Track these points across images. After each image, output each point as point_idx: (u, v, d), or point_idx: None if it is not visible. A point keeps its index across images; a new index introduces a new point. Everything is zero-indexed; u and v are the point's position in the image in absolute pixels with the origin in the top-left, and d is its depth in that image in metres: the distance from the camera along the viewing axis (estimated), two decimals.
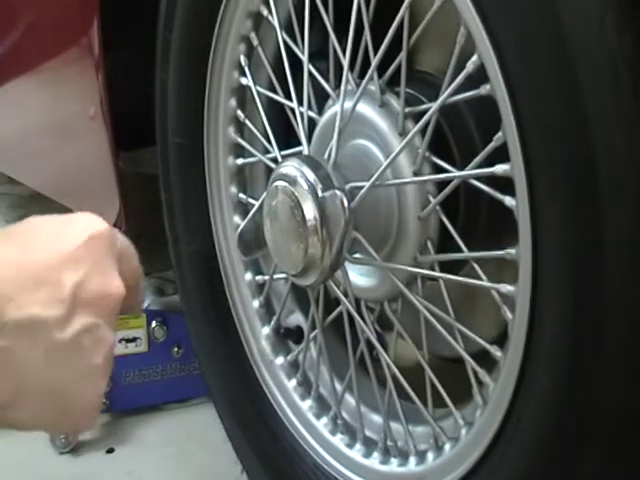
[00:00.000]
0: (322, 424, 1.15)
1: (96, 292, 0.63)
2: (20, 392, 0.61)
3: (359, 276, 1.01)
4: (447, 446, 0.95)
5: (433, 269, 0.93)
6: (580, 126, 0.68)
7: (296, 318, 1.24)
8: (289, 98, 1.07)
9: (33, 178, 1.98)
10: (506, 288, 0.82)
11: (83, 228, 0.65)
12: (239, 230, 1.08)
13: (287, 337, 1.22)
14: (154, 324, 1.64)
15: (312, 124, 1.04)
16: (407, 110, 0.92)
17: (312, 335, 1.15)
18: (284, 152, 1.10)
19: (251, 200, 1.22)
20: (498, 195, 0.82)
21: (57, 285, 0.62)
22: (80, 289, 0.63)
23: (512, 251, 0.80)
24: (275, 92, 1.12)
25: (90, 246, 0.64)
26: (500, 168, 0.79)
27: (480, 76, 0.79)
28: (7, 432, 1.67)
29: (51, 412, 0.63)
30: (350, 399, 1.12)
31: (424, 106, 0.91)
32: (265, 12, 1.10)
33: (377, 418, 1.09)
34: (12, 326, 0.60)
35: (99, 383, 0.65)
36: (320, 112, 1.04)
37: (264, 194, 0.99)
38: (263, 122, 1.14)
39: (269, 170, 1.11)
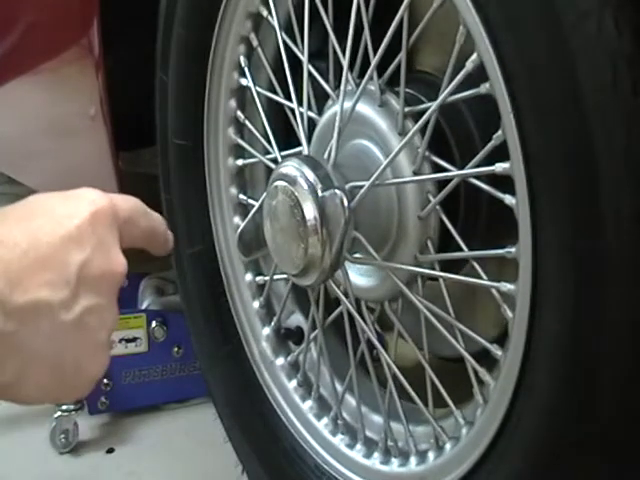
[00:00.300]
0: (323, 424, 1.15)
1: (100, 271, 0.64)
2: (24, 372, 0.61)
3: (359, 276, 1.01)
4: (448, 446, 0.95)
5: (433, 268, 0.93)
6: (580, 124, 0.68)
7: (296, 319, 1.24)
8: (289, 99, 1.07)
9: (33, 178, 1.98)
10: (506, 287, 0.82)
11: (85, 205, 0.65)
12: (239, 230, 1.08)
13: (287, 338, 1.22)
14: (154, 324, 1.64)
15: (312, 124, 1.04)
16: (407, 110, 0.92)
17: (312, 336, 1.15)
18: (284, 152, 1.10)
19: (251, 201, 1.22)
20: (498, 194, 0.82)
21: (62, 266, 0.62)
22: (84, 269, 0.63)
23: (512, 250, 0.80)
24: (275, 93, 1.12)
25: (93, 224, 0.64)
26: (500, 167, 0.79)
27: (480, 75, 0.79)
28: (7, 433, 1.67)
29: (53, 388, 0.64)
30: (351, 399, 1.12)
31: (424, 105, 0.91)
32: (265, 13, 1.10)
33: (378, 418, 1.09)
34: (19, 311, 0.60)
35: (102, 359, 0.66)
36: (320, 112, 1.04)
37: (264, 194, 0.99)
38: (263, 123, 1.14)
39: (269, 171, 1.10)
